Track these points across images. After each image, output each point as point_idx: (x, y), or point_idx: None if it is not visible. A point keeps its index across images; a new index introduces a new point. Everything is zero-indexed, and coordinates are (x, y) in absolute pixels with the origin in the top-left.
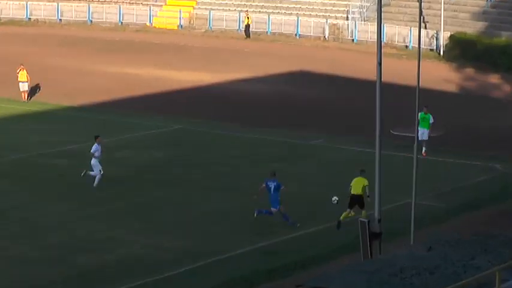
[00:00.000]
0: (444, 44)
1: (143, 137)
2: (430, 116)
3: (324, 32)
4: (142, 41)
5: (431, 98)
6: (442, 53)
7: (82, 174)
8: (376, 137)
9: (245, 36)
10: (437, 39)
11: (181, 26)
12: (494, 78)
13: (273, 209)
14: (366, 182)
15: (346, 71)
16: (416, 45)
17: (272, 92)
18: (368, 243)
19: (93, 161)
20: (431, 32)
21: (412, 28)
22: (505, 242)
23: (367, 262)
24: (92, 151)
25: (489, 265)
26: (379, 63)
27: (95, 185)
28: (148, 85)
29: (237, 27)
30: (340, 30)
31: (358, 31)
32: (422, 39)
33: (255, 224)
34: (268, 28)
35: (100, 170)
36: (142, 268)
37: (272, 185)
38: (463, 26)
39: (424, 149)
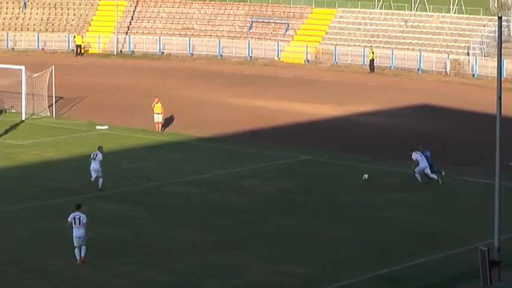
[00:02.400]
0: None
1: (270, 167)
2: None
3: (445, 67)
4: (270, 74)
5: None
6: None
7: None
8: (496, 168)
9: (369, 71)
10: None
11: (308, 61)
12: None
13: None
14: None
15: (467, 105)
16: None
17: (394, 125)
18: (488, 270)
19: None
20: None
21: None
22: None
23: None
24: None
25: None
26: (499, 98)
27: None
28: (275, 117)
29: (362, 62)
30: (461, 65)
31: (478, 66)
32: None
33: (377, 251)
34: (392, 63)
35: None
36: None
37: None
38: None
39: None
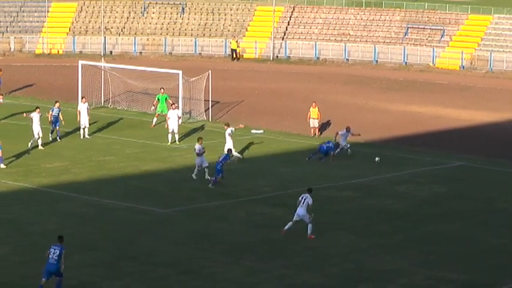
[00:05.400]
0: None
1: (424, 172)
2: None
3: None
4: (425, 80)
5: None
6: None
7: None
8: None
9: None
10: None
11: (463, 67)
12: None
13: None
14: None
15: None
16: None
17: None
18: None
19: None
20: None
21: None
22: None
23: None
24: None
25: None
26: None
27: None
28: (429, 123)
29: None
30: None
31: None
32: None
33: None
34: None
35: None
36: None
37: None
38: None
39: None
